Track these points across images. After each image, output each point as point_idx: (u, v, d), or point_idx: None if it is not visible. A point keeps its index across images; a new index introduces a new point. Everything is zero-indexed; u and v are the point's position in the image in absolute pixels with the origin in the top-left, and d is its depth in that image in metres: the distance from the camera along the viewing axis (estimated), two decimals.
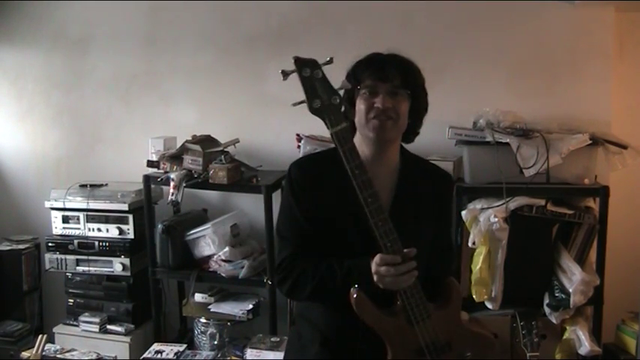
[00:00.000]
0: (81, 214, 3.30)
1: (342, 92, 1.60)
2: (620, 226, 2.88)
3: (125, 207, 3.22)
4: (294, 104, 1.56)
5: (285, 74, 1.53)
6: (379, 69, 1.69)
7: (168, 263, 3.13)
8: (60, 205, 3.33)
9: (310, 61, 1.54)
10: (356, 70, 1.72)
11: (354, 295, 1.63)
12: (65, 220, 3.33)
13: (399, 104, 1.68)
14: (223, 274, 3.03)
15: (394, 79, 1.67)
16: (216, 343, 3.11)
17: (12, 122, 3.79)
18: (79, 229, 3.32)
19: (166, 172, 3.13)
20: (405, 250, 1.60)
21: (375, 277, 1.60)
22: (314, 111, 1.54)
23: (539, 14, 3.02)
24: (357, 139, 1.73)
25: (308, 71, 1.53)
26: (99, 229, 3.28)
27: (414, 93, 1.71)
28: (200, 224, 3.15)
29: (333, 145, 1.62)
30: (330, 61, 1.53)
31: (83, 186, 3.35)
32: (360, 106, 1.69)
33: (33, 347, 2.96)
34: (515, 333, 2.68)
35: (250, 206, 3.31)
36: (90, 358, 3.04)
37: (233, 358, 3.00)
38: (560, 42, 3.04)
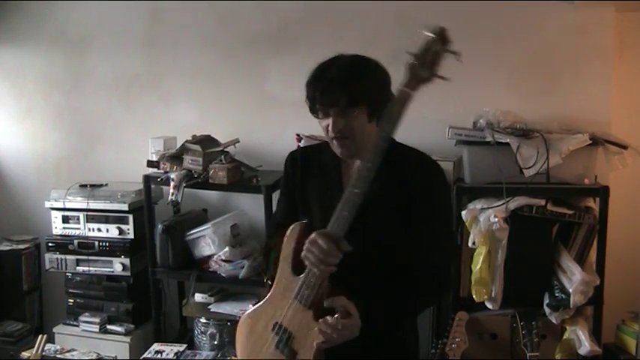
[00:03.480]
0: (81, 214, 3.30)
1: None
2: (620, 226, 2.87)
3: (125, 207, 3.23)
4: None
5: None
6: (324, 93, 1.67)
7: (168, 263, 3.14)
8: (60, 205, 3.33)
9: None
10: (307, 91, 1.72)
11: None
12: (65, 220, 3.34)
13: (352, 121, 1.67)
14: (223, 274, 3.03)
15: (340, 101, 1.64)
16: (216, 343, 3.11)
17: (12, 122, 3.80)
18: (79, 229, 3.32)
19: (166, 172, 3.13)
20: (343, 245, 1.57)
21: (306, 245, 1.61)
22: None
23: (539, 14, 3.02)
24: None
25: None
26: (99, 229, 3.29)
27: (367, 101, 1.67)
28: (200, 224, 3.16)
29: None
30: None
31: (83, 186, 3.35)
32: (321, 124, 1.73)
33: (33, 347, 2.96)
34: (515, 333, 2.68)
35: (250, 206, 3.31)
36: (90, 358, 3.04)
37: (233, 358, 3.00)
38: (560, 42, 3.03)
